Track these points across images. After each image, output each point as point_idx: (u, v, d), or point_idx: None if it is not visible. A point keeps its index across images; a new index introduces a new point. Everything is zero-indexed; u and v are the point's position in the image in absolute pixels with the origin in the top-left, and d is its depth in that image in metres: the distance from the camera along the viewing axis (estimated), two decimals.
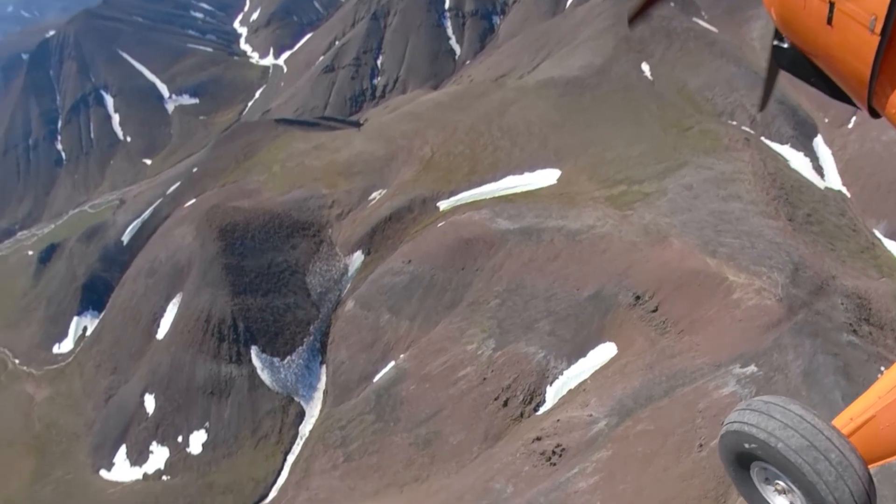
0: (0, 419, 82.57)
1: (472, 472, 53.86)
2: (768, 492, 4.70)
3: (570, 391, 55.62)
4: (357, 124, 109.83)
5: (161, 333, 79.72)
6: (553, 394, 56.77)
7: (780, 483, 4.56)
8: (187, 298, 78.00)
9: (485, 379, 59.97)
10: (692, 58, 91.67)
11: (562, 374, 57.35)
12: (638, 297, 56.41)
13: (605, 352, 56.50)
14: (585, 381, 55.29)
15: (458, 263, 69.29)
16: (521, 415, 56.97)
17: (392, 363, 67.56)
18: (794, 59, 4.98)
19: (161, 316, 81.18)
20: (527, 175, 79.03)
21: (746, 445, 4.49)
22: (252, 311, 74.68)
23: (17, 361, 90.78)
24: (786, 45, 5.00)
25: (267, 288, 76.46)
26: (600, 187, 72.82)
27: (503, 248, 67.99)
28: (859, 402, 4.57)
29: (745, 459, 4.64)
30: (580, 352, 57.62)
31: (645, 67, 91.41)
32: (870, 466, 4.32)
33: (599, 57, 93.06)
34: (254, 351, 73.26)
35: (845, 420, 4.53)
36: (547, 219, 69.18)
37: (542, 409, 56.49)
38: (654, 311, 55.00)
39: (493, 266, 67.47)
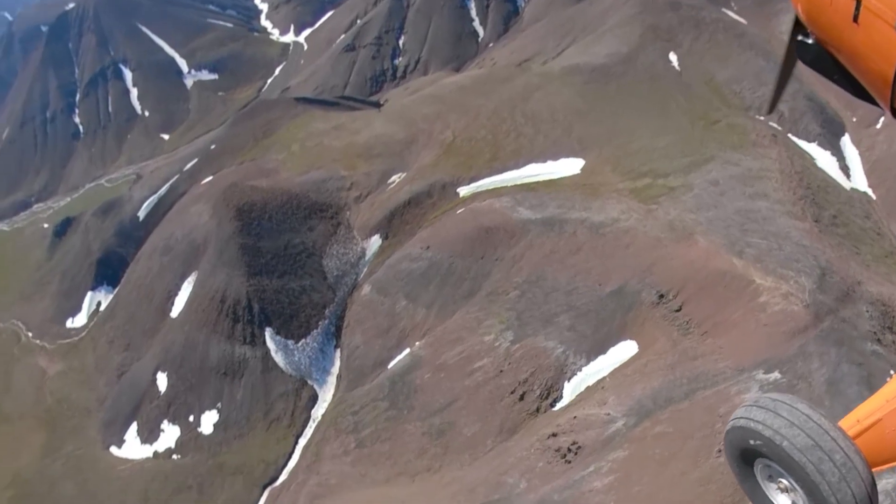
0: (12, 392, 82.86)
1: (486, 465, 53.45)
2: (771, 489, 4.72)
3: (588, 388, 54.98)
4: (377, 105, 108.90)
5: (175, 312, 79.57)
6: (570, 390, 56.13)
7: (784, 481, 4.58)
8: (202, 277, 77.69)
9: (501, 371, 59.38)
10: (721, 49, 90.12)
11: (580, 370, 56.66)
12: (661, 296, 55.49)
13: (625, 350, 55.72)
14: (604, 378, 54.60)
15: (477, 252, 68.53)
16: (538, 410, 56.38)
17: (407, 350, 67.09)
18: (817, 56, 5.04)
19: (175, 294, 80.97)
20: (549, 163, 77.94)
21: (751, 442, 4.50)
22: (267, 292, 74.29)
23: (30, 335, 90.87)
24: (810, 41, 5.05)
25: (283, 269, 75.99)
26: (624, 179, 71.73)
27: (524, 238, 67.13)
28: (866, 405, 4.60)
29: (749, 456, 4.66)
30: (600, 348, 56.89)
31: (672, 57, 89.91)
32: (874, 470, 4.34)
33: (626, 45, 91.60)
34: (268, 333, 72.93)
35: (852, 422, 4.55)
36: (570, 210, 68.22)
37: (558, 405, 55.91)
38: (678, 310, 54.10)
39: (513, 256, 66.66)
